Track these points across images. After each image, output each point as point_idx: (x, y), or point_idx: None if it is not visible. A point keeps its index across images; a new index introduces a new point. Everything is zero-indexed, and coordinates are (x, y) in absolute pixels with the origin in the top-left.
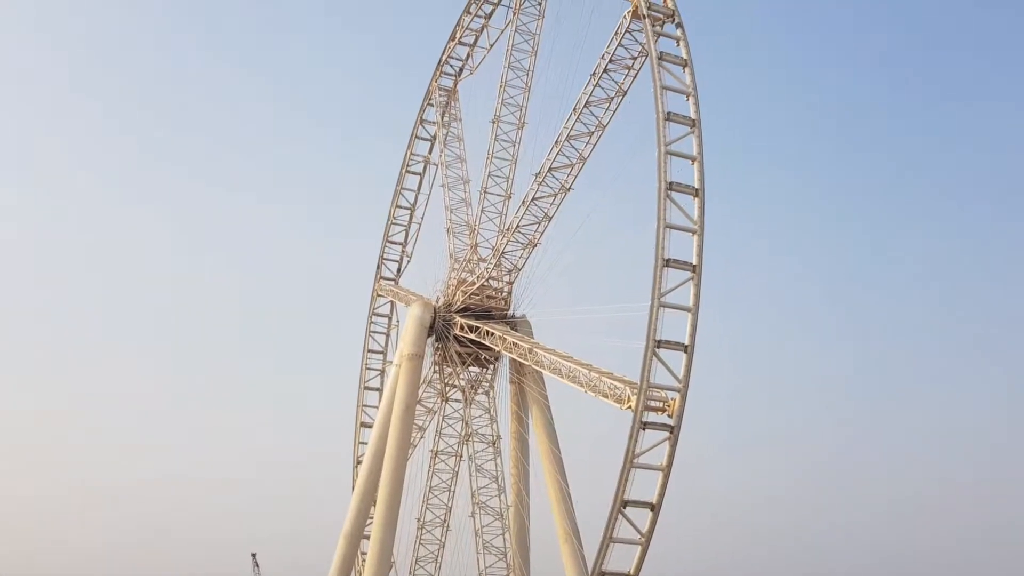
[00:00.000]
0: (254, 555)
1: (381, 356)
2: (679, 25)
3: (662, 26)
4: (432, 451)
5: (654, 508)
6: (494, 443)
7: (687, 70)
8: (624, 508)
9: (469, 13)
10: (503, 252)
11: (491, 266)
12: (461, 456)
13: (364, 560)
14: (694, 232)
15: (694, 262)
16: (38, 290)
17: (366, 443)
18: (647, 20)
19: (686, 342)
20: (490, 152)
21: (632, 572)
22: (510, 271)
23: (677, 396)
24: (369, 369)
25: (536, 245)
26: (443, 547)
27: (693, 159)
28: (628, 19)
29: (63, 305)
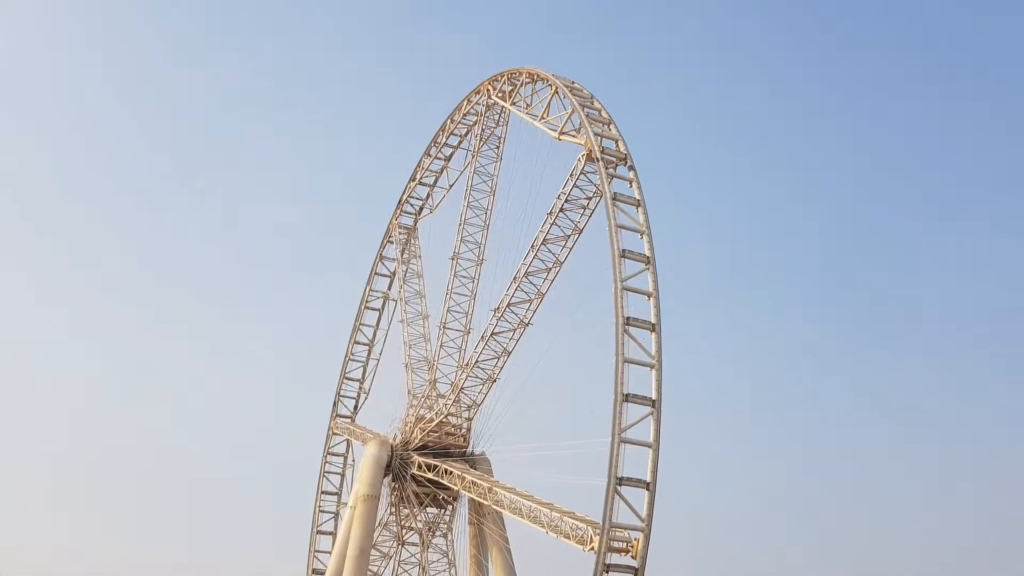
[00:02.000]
0: None
1: (336, 498)
2: (631, 168)
3: (615, 168)
4: None
5: None
6: None
7: (640, 210)
8: None
9: (429, 155)
10: (462, 387)
11: (450, 402)
12: None
13: None
14: (652, 366)
15: (653, 396)
16: None
17: None
18: (600, 163)
19: (648, 479)
20: (449, 288)
21: None
22: (469, 407)
23: (640, 536)
24: (322, 512)
25: (495, 380)
26: None
27: (649, 295)
28: (583, 161)
29: None
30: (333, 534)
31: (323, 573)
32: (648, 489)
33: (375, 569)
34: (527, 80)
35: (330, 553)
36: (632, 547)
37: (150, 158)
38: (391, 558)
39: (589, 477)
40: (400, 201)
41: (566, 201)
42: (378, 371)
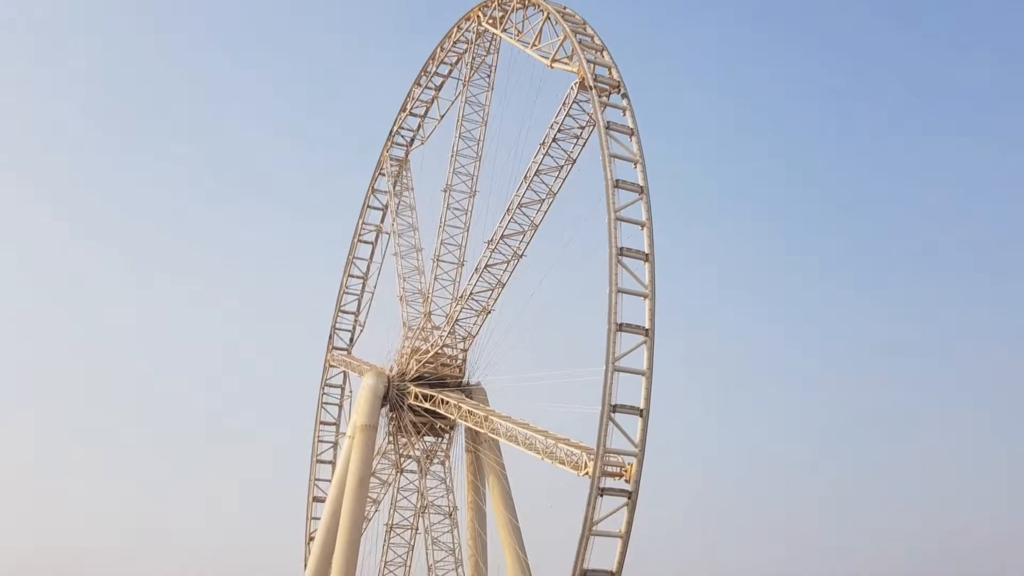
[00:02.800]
0: None
1: (334, 428)
2: (625, 95)
3: (608, 96)
4: (387, 524)
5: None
6: (451, 514)
7: (634, 139)
8: None
9: (419, 85)
10: (457, 319)
11: (445, 334)
12: (417, 529)
13: None
14: (646, 296)
15: (647, 326)
16: None
17: (319, 518)
18: (594, 91)
19: (641, 406)
20: (442, 220)
21: None
22: (464, 338)
23: (634, 461)
24: (321, 442)
25: (490, 312)
26: None
27: (643, 225)
28: (575, 90)
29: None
30: (332, 463)
31: (324, 500)
32: (642, 416)
33: (374, 496)
34: (518, 6)
35: (330, 481)
36: (626, 472)
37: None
38: (390, 485)
39: (584, 405)
40: (391, 133)
41: (559, 131)
42: (373, 304)
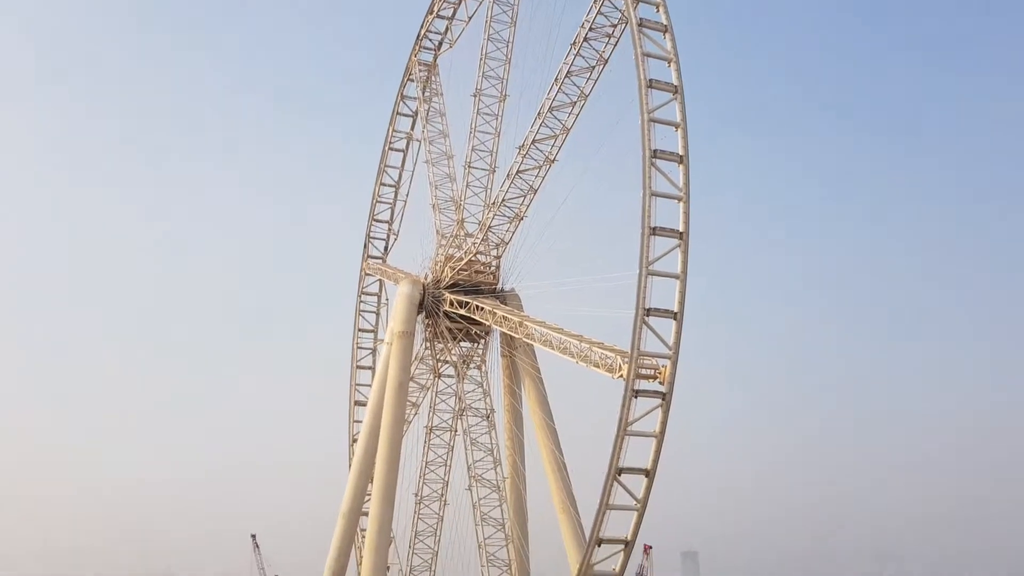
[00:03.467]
0: (254, 536)
1: (372, 335)
2: None
3: None
4: (427, 427)
5: (649, 474)
6: (488, 417)
7: (668, 36)
8: (619, 475)
9: None
10: (490, 226)
11: (478, 241)
12: (456, 431)
13: (364, 536)
14: (680, 199)
15: (680, 229)
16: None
17: (360, 422)
18: None
19: (675, 309)
20: (473, 126)
21: (629, 538)
22: (497, 245)
23: (668, 363)
24: (360, 348)
25: (523, 218)
26: (442, 520)
27: (677, 125)
28: None
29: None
30: (372, 369)
31: (365, 404)
32: (675, 319)
33: (414, 400)
34: None
35: (370, 386)
36: (660, 374)
37: None
38: (428, 389)
39: (618, 310)
40: (418, 36)
41: (590, 30)
42: (406, 212)
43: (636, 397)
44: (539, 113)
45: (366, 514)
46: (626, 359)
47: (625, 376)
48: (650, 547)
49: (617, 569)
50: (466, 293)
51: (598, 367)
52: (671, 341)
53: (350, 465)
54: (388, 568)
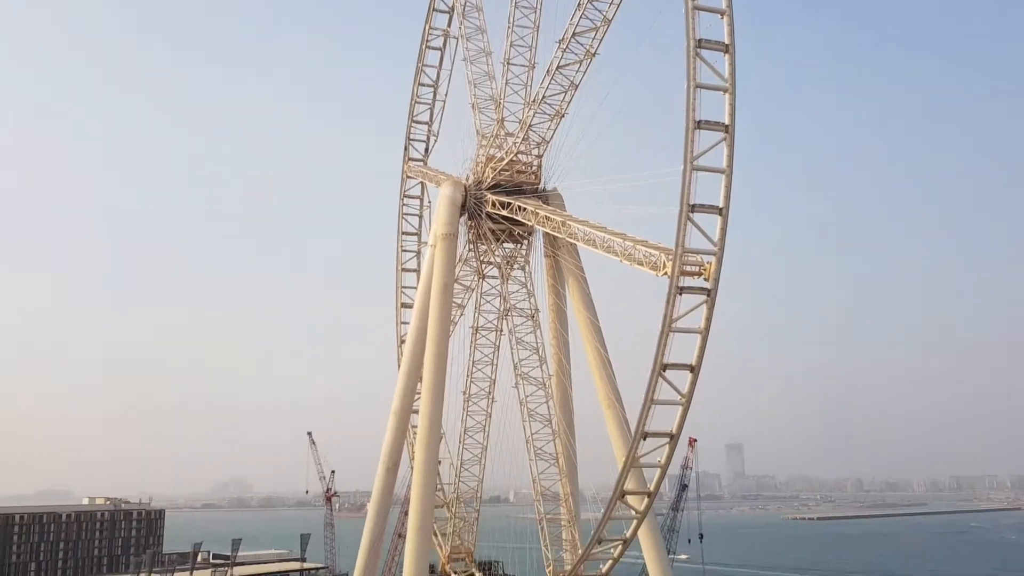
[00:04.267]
0: (310, 434)
1: (416, 238)
2: None
3: None
4: (472, 327)
5: (693, 369)
6: (533, 316)
7: None
8: (664, 371)
9: None
10: (530, 125)
11: (519, 140)
12: (501, 330)
13: (415, 433)
14: (725, 90)
15: (727, 122)
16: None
17: (407, 323)
18: None
19: (720, 204)
20: (511, 20)
21: (674, 431)
22: (538, 144)
23: (713, 259)
24: (405, 251)
25: (564, 115)
26: (489, 417)
27: (722, 13)
28: None
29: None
30: (417, 271)
31: (411, 306)
32: (721, 214)
33: (459, 301)
34: None
35: (416, 289)
36: (705, 270)
37: None
38: (473, 291)
39: (662, 207)
40: None
41: None
42: (445, 113)
43: (681, 294)
44: (579, 4)
45: (416, 412)
46: (670, 256)
47: (669, 273)
48: (695, 440)
49: (663, 461)
50: (508, 194)
51: (642, 265)
52: (716, 237)
53: (399, 365)
54: (439, 462)
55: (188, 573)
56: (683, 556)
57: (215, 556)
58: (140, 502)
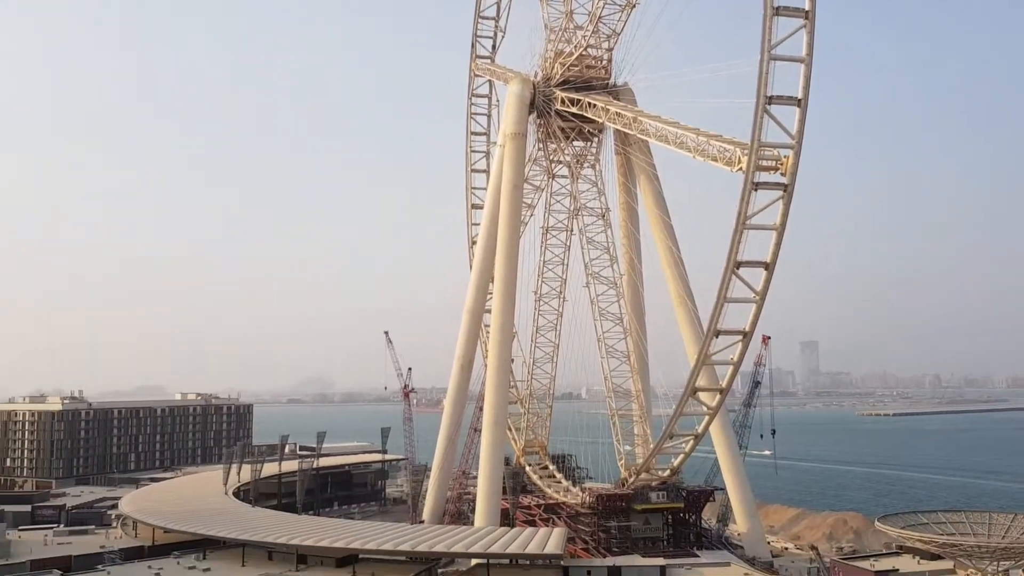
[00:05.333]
0: (387, 333)
1: (484, 138)
2: None
3: None
4: (543, 227)
5: (768, 267)
6: (603, 215)
7: None
8: (738, 269)
9: None
10: (600, 16)
11: (588, 33)
12: (572, 230)
13: (487, 332)
14: None
15: (806, 7)
16: None
17: (478, 224)
18: None
19: (799, 95)
20: None
21: (747, 329)
22: (609, 37)
23: (791, 153)
24: (474, 152)
25: (635, 5)
26: (560, 316)
27: None
28: None
29: None
30: (486, 172)
31: (481, 207)
32: (799, 106)
33: (529, 201)
34: None
35: (485, 189)
36: (782, 165)
37: None
38: (543, 191)
39: (737, 99)
40: None
41: None
42: (513, 7)
43: (756, 190)
44: None
45: (489, 311)
46: (746, 151)
47: (744, 168)
48: (768, 338)
49: (735, 358)
50: (578, 90)
51: (716, 161)
52: (794, 129)
53: (470, 266)
54: (512, 360)
55: (276, 464)
56: (767, 452)
57: (301, 448)
58: (229, 397)
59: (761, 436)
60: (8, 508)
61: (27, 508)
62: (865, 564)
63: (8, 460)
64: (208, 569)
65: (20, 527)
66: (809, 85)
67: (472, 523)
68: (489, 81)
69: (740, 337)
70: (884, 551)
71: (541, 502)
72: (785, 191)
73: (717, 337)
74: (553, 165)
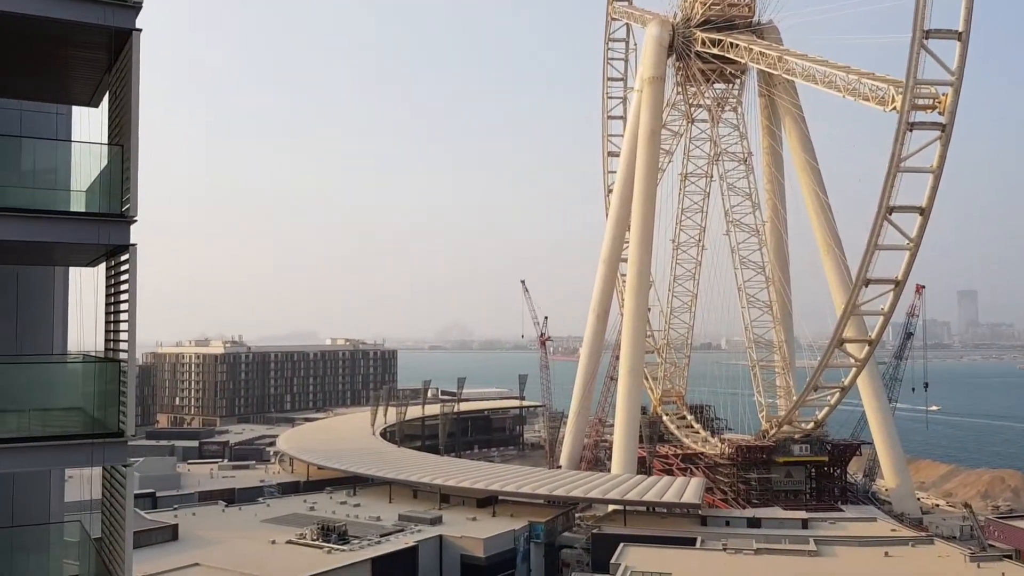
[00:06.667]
0: (523, 282)
1: (622, 83)
2: None
3: None
4: (681, 174)
5: (923, 212)
6: (745, 160)
7: None
8: (890, 214)
9: None
10: None
11: None
12: (711, 176)
13: (624, 281)
14: None
15: None
16: None
17: (615, 172)
18: None
19: (960, 28)
20: None
21: (899, 277)
22: None
23: (950, 90)
24: (610, 98)
25: None
26: (699, 265)
27: None
28: None
29: None
30: (623, 118)
31: (618, 155)
32: (959, 40)
33: (667, 147)
34: None
35: (623, 136)
36: (939, 103)
37: None
38: (681, 136)
39: (891, 35)
40: None
41: None
42: None
43: (911, 130)
44: None
45: (625, 260)
46: (900, 89)
47: (899, 107)
48: (923, 287)
49: (885, 308)
50: (719, 30)
51: (868, 100)
52: (954, 66)
53: (607, 215)
54: (649, 309)
55: (420, 407)
56: (934, 407)
57: (443, 392)
58: (375, 343)
59: (913, 389)
60: (178, 443)
61: (195, 444)
62: (1023, 524)
63: (177, 399)
64: (358, 504)
65: (188, 461)
66: (971, 17)
67: (609, 470)
68: (627, 24)
69: (892, 286)
70: None
71: (679, 452)
72: (943, 131)
73: (867, 286)
74: (693, 109)
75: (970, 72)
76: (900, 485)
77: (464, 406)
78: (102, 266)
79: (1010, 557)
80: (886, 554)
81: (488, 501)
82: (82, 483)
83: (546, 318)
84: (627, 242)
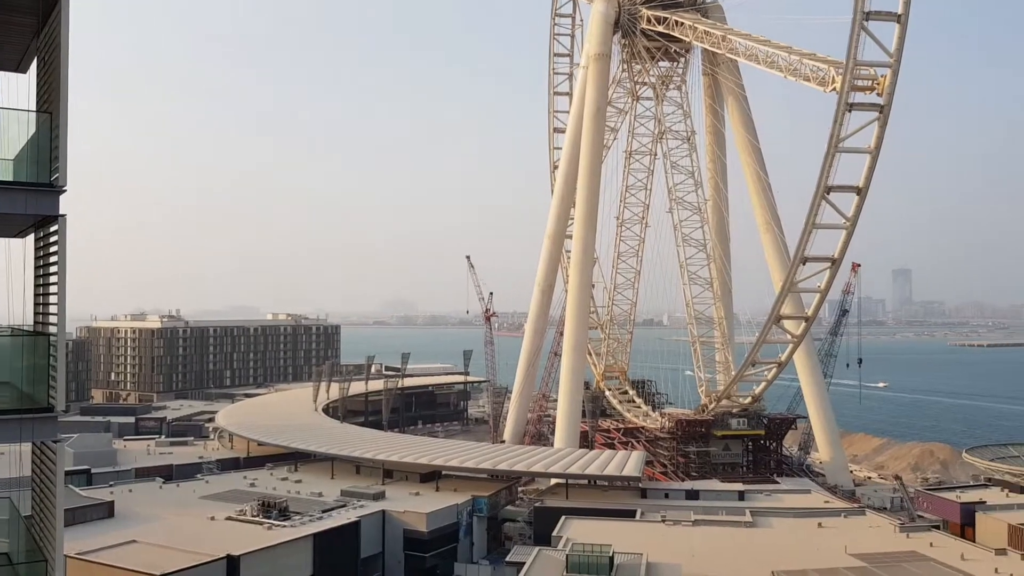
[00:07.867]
0: (468, 257)
1: (567, 60)
2: None
3: None
4: (626, 151)
5: (860, 192)
6: (689, 139)
7: None
8: (828, 193)
9: None
10: None
11: None
12: (655, 154)
13: (569, 257)
14: None
15: None
16: None
17: (560, 148)
18: None
19: (899, 11)
20: None
21: (836, 256)
22: None
23: (888, 72)
24: (557, 74)
25: None
26: (643, 242)
27: None
28: None
29: None
30: (569, 95)
31: (564, 131)
32: (899, 22)
33: (612, 124)
34: None
35: (568, 112)
36: (878, 84)
37: None
38: (627, 113)
39: (832, 15)
40: None
41: None
42: None
43: (850, 111)
44: None
45: (570, 237)
46: (840, 70)
47: (839, 88)
48: (859, 265)
49: (822, 286)
50: (664, 8)
51: (808, 81)
52: (892, 47)
53: (551, 191)
54: (593, 285)
55: (363, 383)
56: (881, 384)
57: (387, 368)
58: (318, 318)
59: (848, 365)
60: (114, 419)
61: (131, 420)
62: (951, 496)
63: (112, 375)
64: (299, 480)
65: (125, 437)
66: (909, 1)
67: (552, 445)
68: (573, 0)
69: (828, 264)
70: (971, 483)
71: (620, 426)
72: (881, 112)
73: (804, 264)
74: (637, 87)
75: (906, 55)
76: (834, 458)
77: (408, 382)
78: (31, 237)
79: (938, 527)
80: (819, 525)
81: (431, 476)
82: (11, 459)
83: (491, 294)
84: (572, 218)
